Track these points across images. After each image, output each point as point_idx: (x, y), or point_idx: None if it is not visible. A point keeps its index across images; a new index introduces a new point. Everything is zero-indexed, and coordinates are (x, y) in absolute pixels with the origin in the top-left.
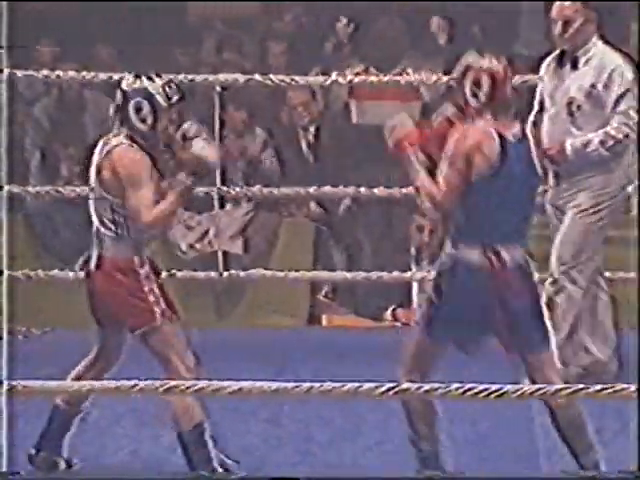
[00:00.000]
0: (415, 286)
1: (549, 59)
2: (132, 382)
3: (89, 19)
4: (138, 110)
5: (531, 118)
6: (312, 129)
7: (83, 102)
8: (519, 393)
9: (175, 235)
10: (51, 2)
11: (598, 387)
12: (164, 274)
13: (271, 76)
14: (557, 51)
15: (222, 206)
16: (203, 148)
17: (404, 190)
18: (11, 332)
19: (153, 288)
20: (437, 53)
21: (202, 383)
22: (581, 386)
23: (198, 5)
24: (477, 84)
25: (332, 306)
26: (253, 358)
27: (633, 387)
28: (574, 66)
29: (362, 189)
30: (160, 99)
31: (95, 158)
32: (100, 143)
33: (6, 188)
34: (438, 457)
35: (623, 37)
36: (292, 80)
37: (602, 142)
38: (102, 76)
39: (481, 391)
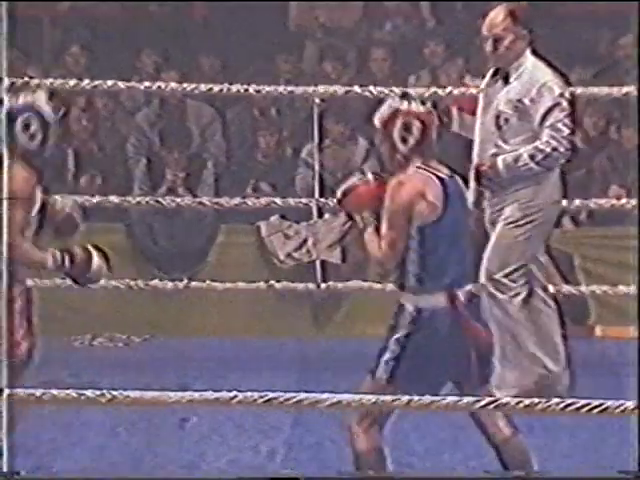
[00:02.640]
0: None
1: (488, 74)
2: (232, 393)
3: (190, 28)
4: (26, 126)
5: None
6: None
7: (185, 110)
8: (621, 409)
9: (273, 244)
10: (158, 10)
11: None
12: (262, 284)
13: (370, 88)
14: (492, 67)
15: (320, 215)
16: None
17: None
18: (112, 340)
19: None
20: None
21: (301, 395)
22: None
23: (299, 13)
24: (407, 129)
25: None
26: (351, 368)
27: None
28: (506, 81)
29: None
30: (47, 114)
31: None
32: None
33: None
34: None
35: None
36: (391, 91)
37: (532, 156)
38: (203, 87)
39: (583, 406)
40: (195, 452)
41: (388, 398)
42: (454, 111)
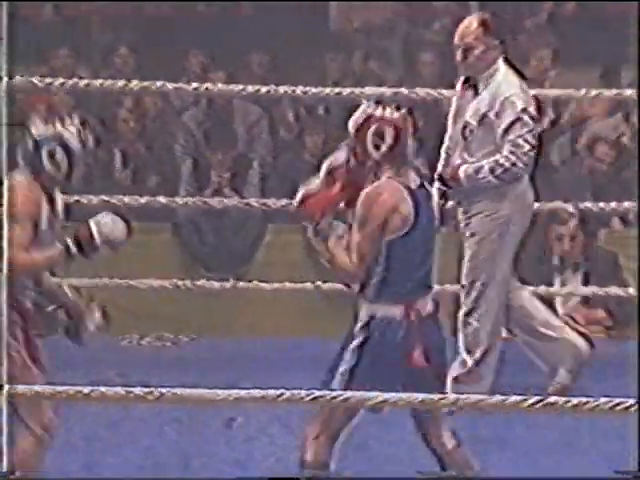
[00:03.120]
0: (559, 299)
1: (459, 81)
2: (279, 391)
3: (240, 26)
4: (52, 156)
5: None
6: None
7: (232, 110)
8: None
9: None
10: (205, 10)
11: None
12: (309, 285)
13: (417, 89)
14: (462, 76)
15: None
16: (113, 227)
17: (548, 204)
18: (160, 339)
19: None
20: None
21: (348, 394)
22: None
23: (340, 13)
24: (379, 135)
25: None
26: None
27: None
28: (476, 91)
29: None
30: (75, 146)
31: None
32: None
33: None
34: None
35: None
36: (439, 93)
37: (491, 170)
38: (250, 89)
39: (631, 405)
40: (242, 451)
41: (435, 397)
42: None
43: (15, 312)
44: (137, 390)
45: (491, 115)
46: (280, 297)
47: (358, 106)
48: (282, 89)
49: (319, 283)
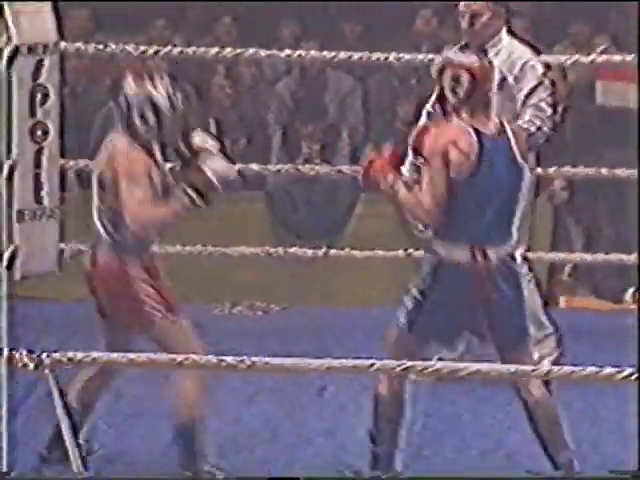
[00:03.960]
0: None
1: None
2: (370, 361)
3: None
4: (142, 116)
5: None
6: (559, 109)
7: (325, 80)
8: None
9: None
10: None
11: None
12: (402, 253)
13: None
14: (461, 43)
15: None
16: (225, 167)
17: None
18: (251, 308)
19: (148, 291)
20: None
21: (439, 364)
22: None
23: None
24: (456, 80)
25: (571, 287)
26: None
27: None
28: None
29: (603, 170)
30: (164, 106)
31: (98, 156)
32: (104, 142)
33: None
34: (392, 459)
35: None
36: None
37: None
38: (342, 55)
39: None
40: (333, 421)
41: (527, 368)
42: (598, 84)
43: (143, 270)
44: (229, 359)
45: (510, 80)
46: (372, 266)
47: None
48: (375, 56)
49: (410, 251)
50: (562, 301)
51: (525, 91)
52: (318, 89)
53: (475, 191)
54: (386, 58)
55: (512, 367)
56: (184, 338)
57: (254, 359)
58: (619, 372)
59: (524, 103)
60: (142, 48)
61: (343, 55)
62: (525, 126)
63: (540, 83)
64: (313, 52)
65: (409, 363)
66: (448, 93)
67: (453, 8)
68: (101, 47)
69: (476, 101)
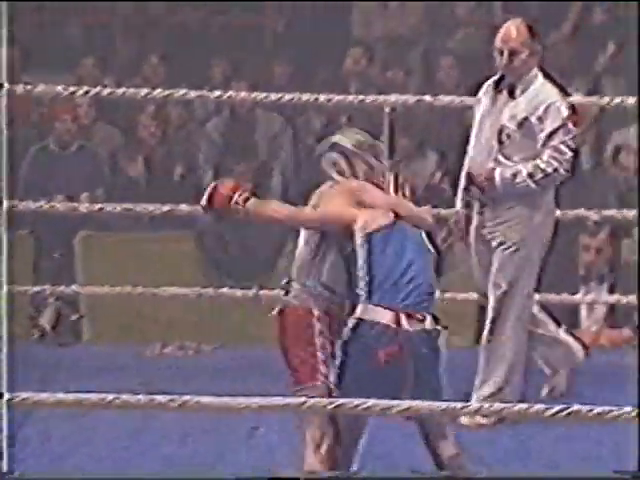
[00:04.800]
0: (584, 307)
1: (488, 83)
2: (302, 399)
3: (263, 37)
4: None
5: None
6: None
7: (255, 119)
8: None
9: None
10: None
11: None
12: None
13: (441, 97)
14: (496, 76)
15: None
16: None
17: (573, 211)
18: (182, 348)
19: (325, 346)
20: None
21: (370, 402)
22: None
23: (361, 22)
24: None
25: None
26: None
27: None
28: (511, 94)
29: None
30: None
31: None
32: None
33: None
34: None
35: None
36: (461, 100)
37: (530, 175)
38: (273, 97)
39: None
40: (265, 460)
41: (457, 404)
42: None
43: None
44: (160, 398)
45: (533, 119)
46: None
47: (380, 115)
48: (305, 97)
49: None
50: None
51: (547, 132)
52: (248, 129)
53: (391, 250)
54: (316, 99)
55: (443, 404)
56: None
57: (185, 398)
58: (547, 409)
59: (544, 144)
60: (72, 89)
61: (274, 96)
62: (542, 166)
63: (563, 125)
64: (243, 93)
65: (340, 401)
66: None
67: (383, 48)
68: (30, 88)
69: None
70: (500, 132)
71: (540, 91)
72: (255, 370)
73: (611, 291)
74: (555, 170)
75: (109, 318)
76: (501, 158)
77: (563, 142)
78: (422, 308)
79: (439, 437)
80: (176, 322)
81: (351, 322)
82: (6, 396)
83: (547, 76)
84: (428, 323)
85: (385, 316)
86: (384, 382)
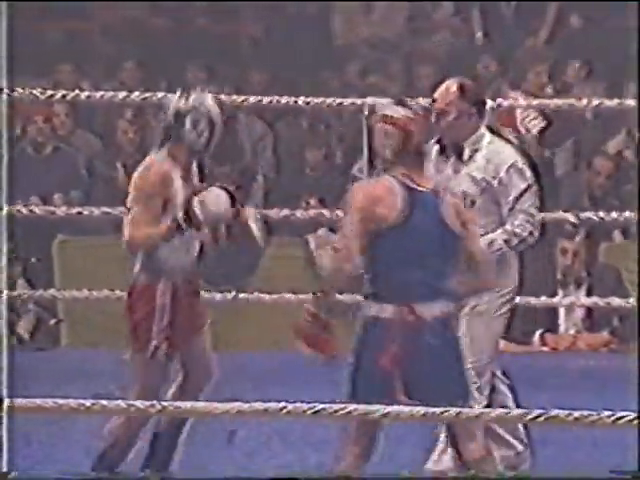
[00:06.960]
0: (562, 311)
1: (433, 146)
2: (281, 404)
3: (239, 43)
4: (195, 125)
5: None
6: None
7: (236, 125)
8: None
9: (321, 257)
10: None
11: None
12: (311, 297)
13: (419, 100)
14: (436, 139)
15: None
16: (216, 202)
17: (550, 214)
18: None
19: (163, 319)
20: None
21: (351, 407)
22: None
23: (342, 28)
24: (386, 135)
25: None
26: None
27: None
28: (459, 157)
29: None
30: (215, 114)
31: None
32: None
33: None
34: None
35: None
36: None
37: (507, 241)
38: (252, 99)
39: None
40: (243, 466)
41: (438, 410)
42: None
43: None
44: (139, 404)
45: (494, 183)
46: (281, 310)
47: (358, 122)
48: (284, 99)
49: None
50: None
51: (514, 196)
52: (230, 132)
53: (401, 247)
54: (295, 101)
55: (431, 409)
56: (150, 375)
57: (164, 403)
58: (525, 412)
59: (512, 207)
60: (49, 92)
61: (253, 99)
62: (517, 231)
63: (528, 187)
64: (223, 96)
65: (320, 406)
66: (379, 147)
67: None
68: (7, 92)
69: (409, 155)
70: (463, 199)
71: (494, 152)
72: (232, 375)
73: (588, 294)
74: (530, 233)
75: (87, 322)
76: None
77: (532, 205)
78: (430, 299)
79: (466, 438)
80: None
81: (360, 321)
82: (6, 402)
83: (494, 133)
84: (439, 310)
85: (391, 311)
86: (390, 382)
